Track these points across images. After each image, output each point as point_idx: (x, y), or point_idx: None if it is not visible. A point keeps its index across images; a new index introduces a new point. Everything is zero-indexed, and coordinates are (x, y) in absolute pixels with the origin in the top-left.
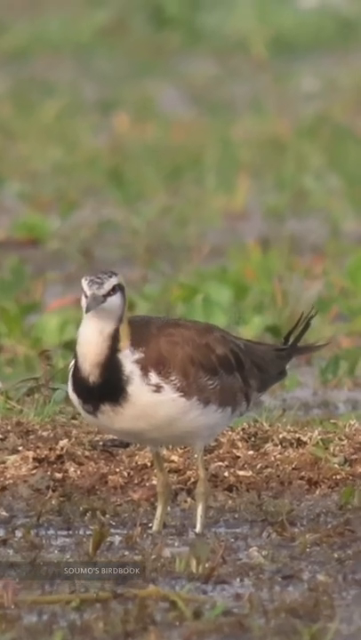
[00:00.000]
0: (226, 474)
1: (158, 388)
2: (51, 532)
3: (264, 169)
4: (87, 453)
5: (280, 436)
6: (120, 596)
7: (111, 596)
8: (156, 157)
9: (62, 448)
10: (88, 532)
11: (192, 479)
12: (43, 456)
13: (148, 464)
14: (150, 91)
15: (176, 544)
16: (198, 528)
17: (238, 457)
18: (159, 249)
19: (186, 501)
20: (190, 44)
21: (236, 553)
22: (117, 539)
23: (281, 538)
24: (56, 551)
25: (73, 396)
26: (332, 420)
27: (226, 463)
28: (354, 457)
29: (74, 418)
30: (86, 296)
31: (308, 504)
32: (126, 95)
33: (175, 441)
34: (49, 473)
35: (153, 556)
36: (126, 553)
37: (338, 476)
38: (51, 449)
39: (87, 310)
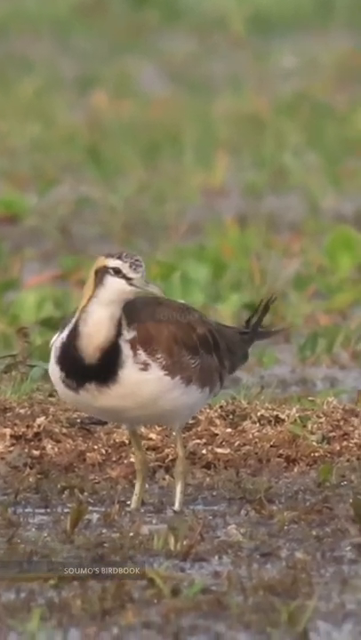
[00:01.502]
0: (204, 451)
1: (146, 367)
2: (28, 509)
3: (243, 146)
4: (65, 431)
5: (258, 413)
6: (98, 573)
7: (89, 574)
8: (135, 134)
9: (40, 425)
10: (66, 510)
11: (170, 457)
12: (20, 433)
13: (126, 441)
14: (129, 68)
15: (154, 522)
16: (177, 506)
17: (216, 434)
18: (137, 226)
19: (164, 479)
20: (169, 22)
21: (214, 530)
22: (95, 516)
23: (259, 515)
24: (34, 529)
25: (55, 370)
26: (310, 398)
27: (204, 441)
28: (332, 434)
29: (51, 395)
30: (127, 278)
31: (287, 482)
32: (105, 72)
33: (154, 420)
34: (26, 450)
35: (131, 534)
36: (104, 531)
37: (316, 454)
38: (28, 426)
39: (132, 292)
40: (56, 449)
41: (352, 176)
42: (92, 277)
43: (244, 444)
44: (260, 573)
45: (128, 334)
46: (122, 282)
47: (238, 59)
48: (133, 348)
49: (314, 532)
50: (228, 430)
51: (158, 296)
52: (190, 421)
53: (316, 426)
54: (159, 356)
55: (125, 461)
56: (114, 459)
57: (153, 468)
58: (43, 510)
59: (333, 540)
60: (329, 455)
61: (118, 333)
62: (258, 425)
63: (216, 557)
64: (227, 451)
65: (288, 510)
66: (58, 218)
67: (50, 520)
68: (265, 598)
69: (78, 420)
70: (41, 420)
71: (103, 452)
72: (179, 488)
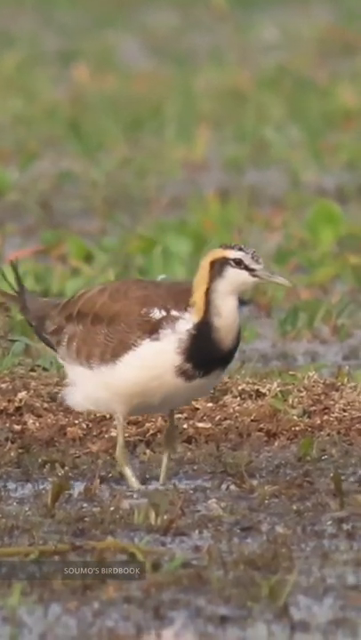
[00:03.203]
0: (185, 426)
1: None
2: (9, 483)
3: (224, 120)
4: (46, 405)
5: (239, 387)
6: (79, 548)
7: (70, 549)
8: (116, 109)
9: (21, 400)
10: (47, 484)
11: (151, 431)
12: (1, 408)
13: (107, 416)
14: (111, 42)
15: (135, 496)
16: (162, 479)
17: (197, 409)
18: (118, 200)
19: (145, 453)
20: None
21: (194, 505)
22: (76, 491)
23: (240, 490)
24: (15, 503)
25: (172, 360)
26: (290, 372)
27: (185, 415)
28: (312, 408)
29: (32, 370)
30: (249, 269)
31: (267, 456)
32: (86, 46)
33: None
34: (8, 425)
35: (112, 508)
36: (85, 505)
37: (297, 428)
38: (9, 401)
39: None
40: (37, 423)
41: (333, 150)
42: (205, 269)
43: (225, 419)
44: (240, 548)
45: None
46: (244, 273)
47: (220, 32)
48: None
49: (294, 507)
50: (209, 404)
51: (286, 286)
52: None
53: (296, 400)
54: None
55: (106, 436)
56: (94, 433)
57: (134, 443)
58: (24, 484)
59: (314, 514)
60: (310, 429)
61: None
62: (239, 399)
63: (197, 532)
64: (208, 425)
65: (269, 484)
66: (39, 192)
67: (31, 494)
68: (245, 572)
69: (59, 395)
70: (22, 394)
71: (84, 426)
72: (166, 461)
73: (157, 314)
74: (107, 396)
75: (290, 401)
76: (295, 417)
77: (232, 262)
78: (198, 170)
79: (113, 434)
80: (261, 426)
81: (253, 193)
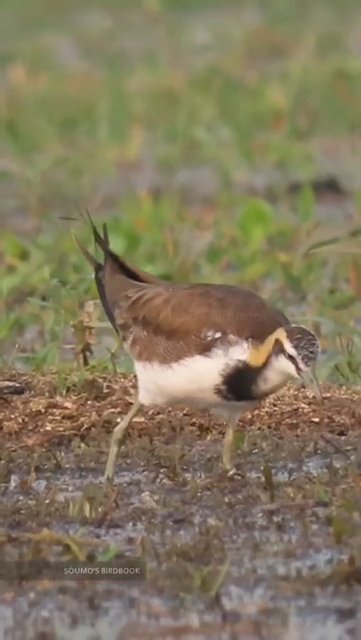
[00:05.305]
0: (118, 420)
1: None
2: None
3: (157, 120)
4: None
5: None
6: (15, 539)
7: (6, 540)
8: (51, 109)
9: None
10: None
11: (85, 425)
12: None
13: (42, 410)
14: (45, 43)
15: (70, 489)
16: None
17: (131, 403)
18: (53, 199)
19: (79, 447)
20: None
21: (128, 497)
22: (12, 484)
23: (173, 483)
24: None
25: (215, 379)
26: None
27: (119, 410)
28: None
29: None
30: (297, 367)
31: (200, 449)
32: (22, 48)
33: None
34: None
35: (47, 501)
36: (21, 498)
37: None
38: None
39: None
40: None
41: (263, 150)
42: (271, 342)
43: (158, 413)
44: (173, 539)
45: None
46: (292, 367)
47: (153, 34)
48: None
49: (226, 499)
50: None
51: (315, 396)
52: (105, 390)
53: None
54: None
55: (41, 430)
56: (30, 427)
57: (68, 437)
58: None
59: (245, 507)
60: (241, 423)
61: None
62: None
63: (130, 524)
64: (141, 419)
65: (201, 477)
66: None
67: None
68: (178, 564)
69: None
70: None
71: (20, 420)
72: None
73: (213, 335)
74: (155, 390)
75: None
76: None
77: (286, 354)
78: (131, 169)
79: (48, 428)
80: (194, 420)
81: (185, 192)
